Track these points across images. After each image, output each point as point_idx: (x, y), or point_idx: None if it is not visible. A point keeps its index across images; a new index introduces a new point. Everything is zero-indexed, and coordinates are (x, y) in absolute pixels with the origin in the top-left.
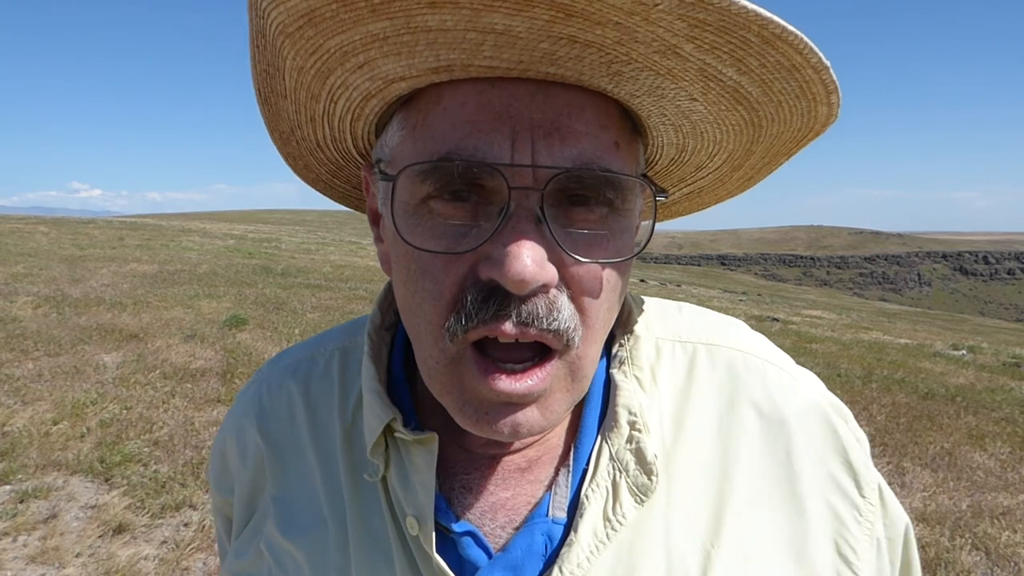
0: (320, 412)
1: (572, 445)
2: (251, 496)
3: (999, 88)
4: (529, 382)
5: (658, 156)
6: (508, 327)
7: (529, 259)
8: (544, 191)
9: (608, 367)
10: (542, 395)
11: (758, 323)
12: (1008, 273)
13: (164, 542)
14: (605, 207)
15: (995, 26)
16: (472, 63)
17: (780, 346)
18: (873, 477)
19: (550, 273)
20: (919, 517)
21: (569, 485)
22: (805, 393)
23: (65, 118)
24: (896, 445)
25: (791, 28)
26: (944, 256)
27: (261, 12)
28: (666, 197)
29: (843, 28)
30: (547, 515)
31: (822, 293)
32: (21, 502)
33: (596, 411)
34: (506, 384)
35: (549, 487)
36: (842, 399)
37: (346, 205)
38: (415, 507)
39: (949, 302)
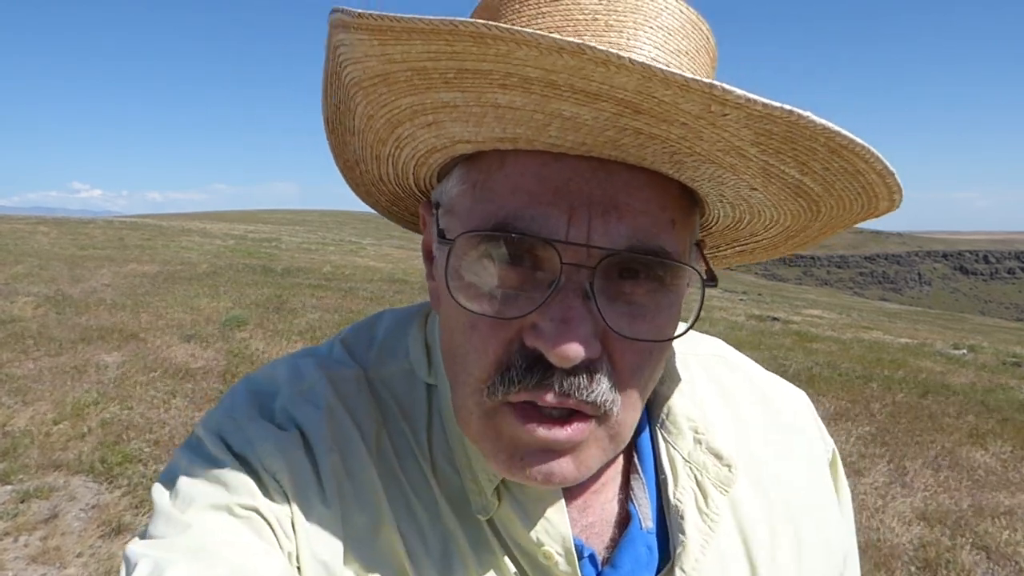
0: (397, 442)
1: (632, 459)
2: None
3: (996, 89)
4: (568, 430)
5: (714, 223)
6: (550, 397)
7: (576, 337)
8: (595, 268)
9: None
10: (578, 447)
11: (759, 322)
12: (1008, 272)
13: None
14: (655, 282)
15: (991, 26)
16: (537, 139)
17: (781, 345)
18: (814, 413)
19: (595, 350)
20: (920, 516)
21: (647, 495)
22: (767, 376)
23: (65, 118)
24: (897, 444)
25: (858, 140)
26: (944, 255)
27: (337, 61)
28: (715, 284)
29: (839, 29)
30: (641, 528)
31: (822, 293)
32: (22, 502)
33: (644, 422)
34: (545, 431)
35: (624, 501)
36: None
37: (406, 227)
38: (548, 536)
39: (949, 301)
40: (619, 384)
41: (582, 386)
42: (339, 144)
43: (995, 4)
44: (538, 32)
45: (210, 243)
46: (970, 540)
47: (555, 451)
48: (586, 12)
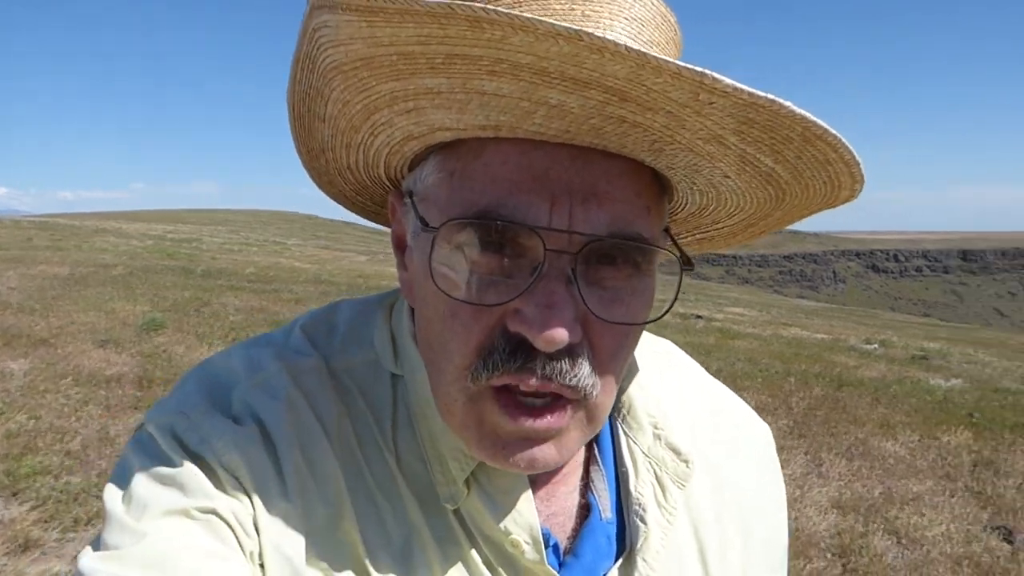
0: (360, 434)
1: (593, 451)
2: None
3: (906, 93)
4: (549, 418)
5: (680, 210)
6: (533, 381)
7: (561, 321)
8: (578, 255)
9: None
10: (560, 432)
11: (683, 320)
12: (916, 270)
13: (76, 558)
14: (631, 267)
15: (907, 24)
16: (520, 127)
17: (704, 343)
18: (745, 406)
19: (577, 334)
20: (835, 504)
21: (607, 487)
22: (711, 379)
23: None
24: (814, 436)
25: (831, 130)
26: (858, 255)
27: (315, 44)
28: (692, 268)
29: (756, 31)
30: (600, 518)
31: (744, 291)
32: None
33: None
34: (528, 421)
35: (584, 492)
36: (763, 393)
37: (368, 219)
38: (517, 526)
39: (862, 298)
40: (598, 368)
41: (564, 370)
42: (304, 132)
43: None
44: (535, 17)
45: (126, 244)
46: (881, 526)
47: (536, 439)
48: (562, 2)
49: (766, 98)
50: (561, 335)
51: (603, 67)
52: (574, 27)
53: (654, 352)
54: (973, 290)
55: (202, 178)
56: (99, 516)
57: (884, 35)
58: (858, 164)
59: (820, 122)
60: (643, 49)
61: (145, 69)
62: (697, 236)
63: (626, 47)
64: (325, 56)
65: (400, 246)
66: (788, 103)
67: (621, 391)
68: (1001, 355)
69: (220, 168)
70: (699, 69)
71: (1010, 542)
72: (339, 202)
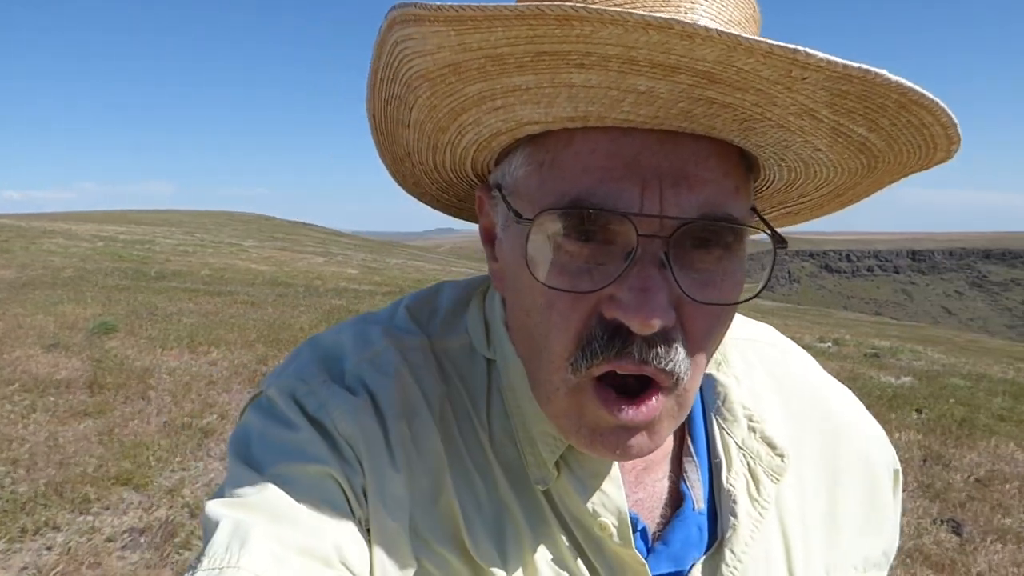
0: (458, 413)
1: (685, 441)
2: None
3: None
4: (644, 409)
5: (765, 187)
6: (629, 364)
7: (656, 305)
8: (670, 238)
9: None
10: (653, 422)
11: None
12: (868, 270)
13: (24, 568)
14: (722, 249)
15: (855, 15)
16: (609, 115)
17: None
18: (877, 425)
19: (670, 317)
20: None
21: (700, 478)
22: (825, 375)
23: None
24: None
25: (928, 94)
26: (811, 255)
27: (397, 55)
28: (785, 246)
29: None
30: (693, 508)
31: None
32: None
33: (698, 407)
34: (626, 412)
35: (676, 481)
36: None
37: (452, 215)
38: (609, 509)
39: (816, 298)
40: (691, 351)
41: (660, 354)
42: (387, 139)
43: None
44: (625, 10)
45: (76, 245)
46: None
47: (632, 429)
48: None
49: (860, 68)
50: (657, 318)
51: (692, 52)
52: (664, 16)
53: (753, 340)
54: (922, 289)
55: (155, 178)
56: (48, 525)
57: (825, 27)
58: (955, 125)
59: (916, 87)
60: (730, 30)
61: (95, 66)
62: (783, 211)
63: (717, 31)
64: (409, 66)
65: (489, 239)
66: (883, 71)
67: (716, 383)
68: (949, 352)
69: (174, 168)
70: (791, 46)
71: (958, 534)
72: (424, 201)
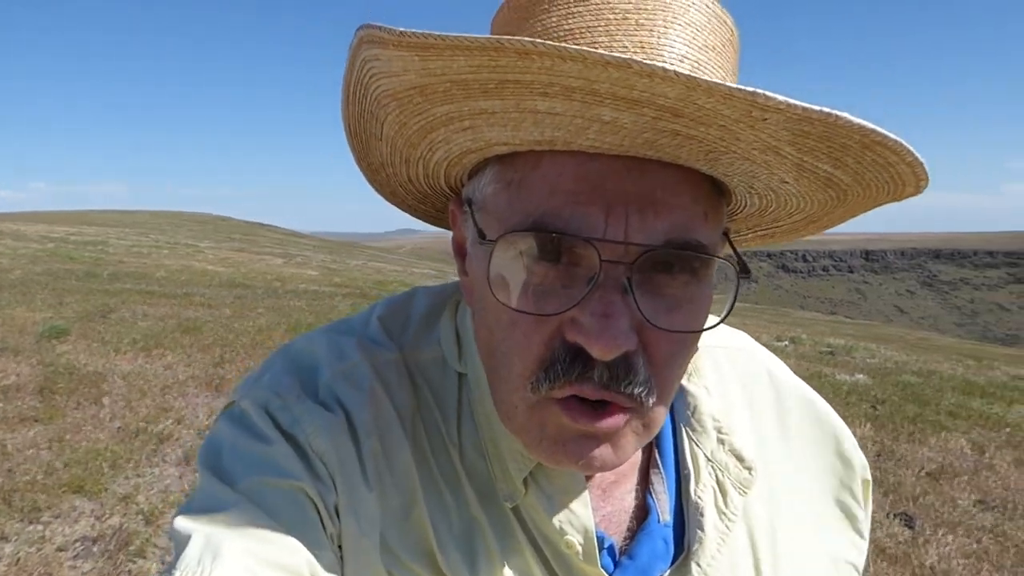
0: (429, 428)
1: (653, 454)
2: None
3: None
4: (608, 420)
5: (739, 211)
6: (592, 389)
7: (616, 330)
8: (633, 264)
9: None
10: (616, 434)
11: None
12: (823, 270)
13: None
14: (688, 275)
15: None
16: (575, 142)
17: None
18: (848, 431)
19: (633, 342)
20: None
21: (666, 490)
22: (796, 382)
23: None
24: None
25: (891, 135)
26: (769, 255)
27: (366, 72)
28: (749, 276)
29: None
30: (659, 521)
31: None
32: None
33: (668, 418)
34: (587, 420)
35: (642, 494)
36: None
37: (433, 225)
38: (572, 527)
39: (773, 297)
40: (654, 375)
41: (620, 378)
42: (363, 149)
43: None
44: (583, 48)
45: (25, 247)
46: None
47: (595, 438)
48: (616, 11)
49: (820, 111)
50: (617, 344)
51: (653, 88)
52: (623, 56)
53: (727, 349)
54: (875, 288)
55: (109, 178)
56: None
57: (775, 31)
58: (921, 164)
59: (878, 129)
60: (700, 56)
61: (47, 64)
62: (759, 233)
63: (675, 72)
64: (377, 85)
65: (460, 252)
66: (844, 114)
67: (687, 394)
68: (901, 350)
69: (128, 168)
70: (750, 89)
71: (911, 527)
72: (404, 210)
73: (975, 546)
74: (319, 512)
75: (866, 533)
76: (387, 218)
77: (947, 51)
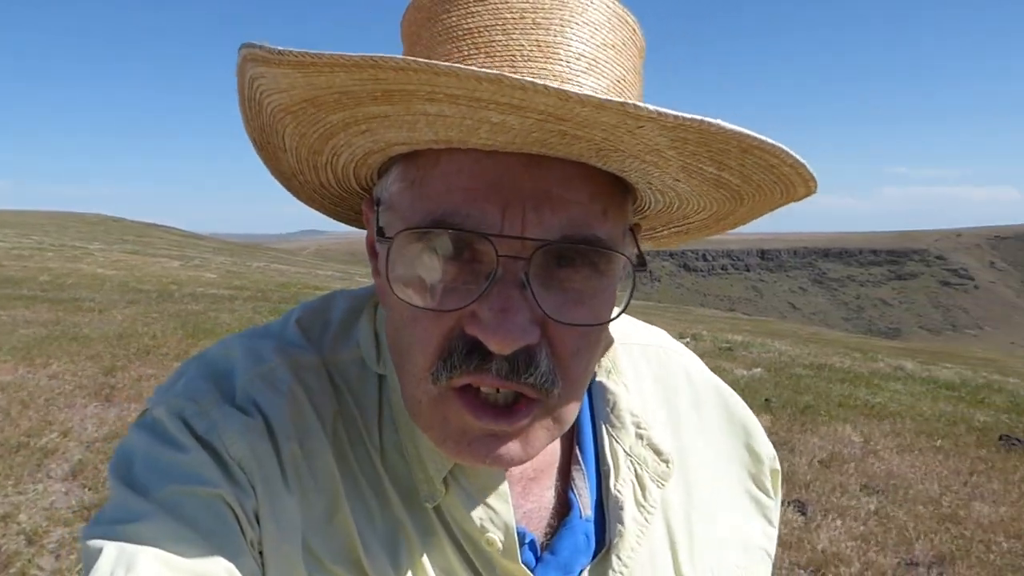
0: (350, 431)
1: (574, 450)
2: (283, 497)
3: (711, 99)
4: (511, 417)
5: (647, 208)
6: (489, 379)
7: (513, 325)
8: (530, 259)
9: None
10: (523, 432)
11: None
12: (722, 269)
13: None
14: (589, 269)
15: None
16: (468, 141)
17: None
18: (758, 424)
19: (531, 336)
20: None
21: (587, 485)
22: (710, 377)
23: None
24: None
25: (767, 140)
26: (671, 255)
27: (256, 89)
28: (644, 270)
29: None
30: (580, 516)
31: None
32: None
33: (587, 415)
34: (491, 420)
35: (563, 490)
36: None
37: (354, 227)
38: (492, 524)
39: (676, 296)
40: (560, 367)
41: (520, 370)
42: (272, 160)
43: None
44: (455, 66)
45: None
46: None
47: (501, 436)
48: (514, 10)
49: (692, 119)
50: (513, 338)
51: (529, 100)
52: (493, 72)
53: (644, 346)
54: (771, 286)
55: None
56: None
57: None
58: (803, 166)
59: (753, 134)
60: (598, 53)
61: None
62: (672, 229)
63: (544, 86)
64: (269, 101)
65: (373, 251)
66: (716, 121)
67: (606, 390)
68: (794, 344)
69: (8, 164)
70: (620, 100)
71: (804, 514)
72: (325, 214)
73: (861, 528)
74: (238, 519)
75: (775, 521)
76: (291, 219)
77: (834, 64)
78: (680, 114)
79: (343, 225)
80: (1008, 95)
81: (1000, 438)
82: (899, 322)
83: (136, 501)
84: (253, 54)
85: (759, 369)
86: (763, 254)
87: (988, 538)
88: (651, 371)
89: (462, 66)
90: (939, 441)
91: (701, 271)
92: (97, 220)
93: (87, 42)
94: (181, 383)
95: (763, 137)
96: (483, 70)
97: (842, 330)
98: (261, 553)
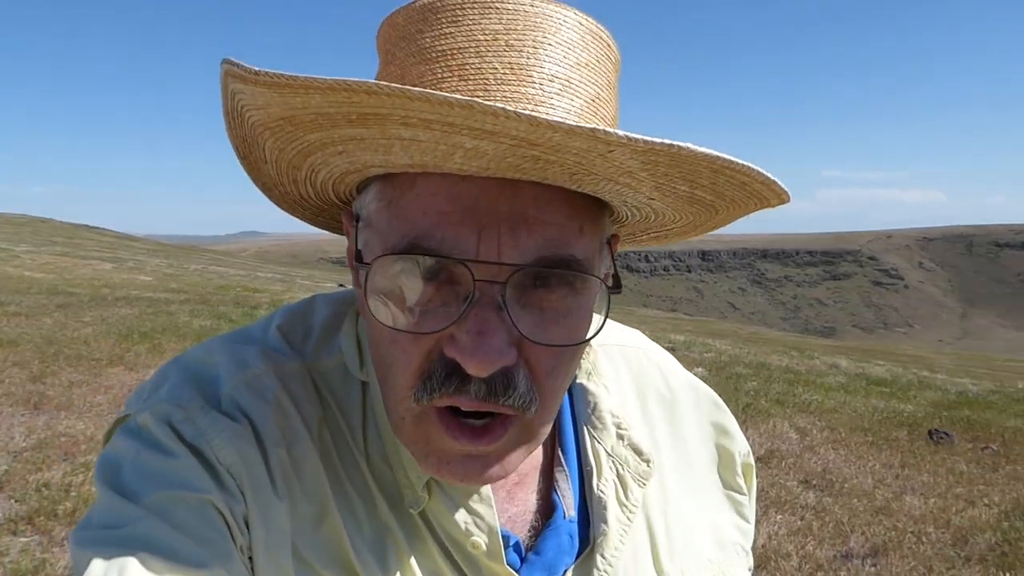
0: (336, 438)
1: (557, 452)
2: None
3: (668, 99)
4: (488, 438)
5: (626, 220)
6: (469, 401)
7: (491, 348)
8: (507, 283)
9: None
10: (499, 451)
11: None
12: (664, 270)
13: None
14: (566, 288)
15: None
16: (443, 166)
17: None
18: (733, 421)
19: (509, 357)
20: None
21: (571, 486)
22: (685, 376)
23: None
24: None
25: (737, 161)
26: (614, 256)
27: (237, 103)
28: (619, 291)
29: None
30: (564, 517)
31: None
32: None
33: (568, 416)
34: (468, 442)
35: (547, 492)
36: None
37: (337, 233)
38: (477, 527)
39: (619, 297)
40: (537, 385)
41: (498, 392)
42: (254, 170)
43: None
44: (427, 91)
45: None
46: None
47: (479, 456)
48: (487, 33)
49: (662, 143)
50: (491, 361)
51: (502, 125)
52: (463, 98)
53: (622, 347)
54: (711, 287)
55: None
56: None
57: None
58: (775, 182)
59: (724, 156)
60: (571, 73)
61: None
62: (651, 234)
63: (516, 113)
64: (249, 115)
65: (354, 264)
66: (687, 145)
67: (587, 392)
68: (735, 344)
69: None
70: (590, 127)
71: None
72: (307, 222)
73: (799, 523)
74: (228, 524)
75: (750, 516)
76: (230, 220)
77: (771, 67)
78: (650, 139)
79: (284, 227)
80: (937, 101)
81: (929, 432)
82: (834, 321)
83: (125, 507)
84: (231, 71)
85: (701, 369)
86: (704, 255)
87: (919, 529)
88: (629, 372)
89: (434, 91)
90: (872, 436)
91: (643, 272)
92: (24, 221)
93: (6, 39)
94: (165, 389)
95: (732, 159)
96: (455, 96)
97: (780, 329)
98: (251, 559)
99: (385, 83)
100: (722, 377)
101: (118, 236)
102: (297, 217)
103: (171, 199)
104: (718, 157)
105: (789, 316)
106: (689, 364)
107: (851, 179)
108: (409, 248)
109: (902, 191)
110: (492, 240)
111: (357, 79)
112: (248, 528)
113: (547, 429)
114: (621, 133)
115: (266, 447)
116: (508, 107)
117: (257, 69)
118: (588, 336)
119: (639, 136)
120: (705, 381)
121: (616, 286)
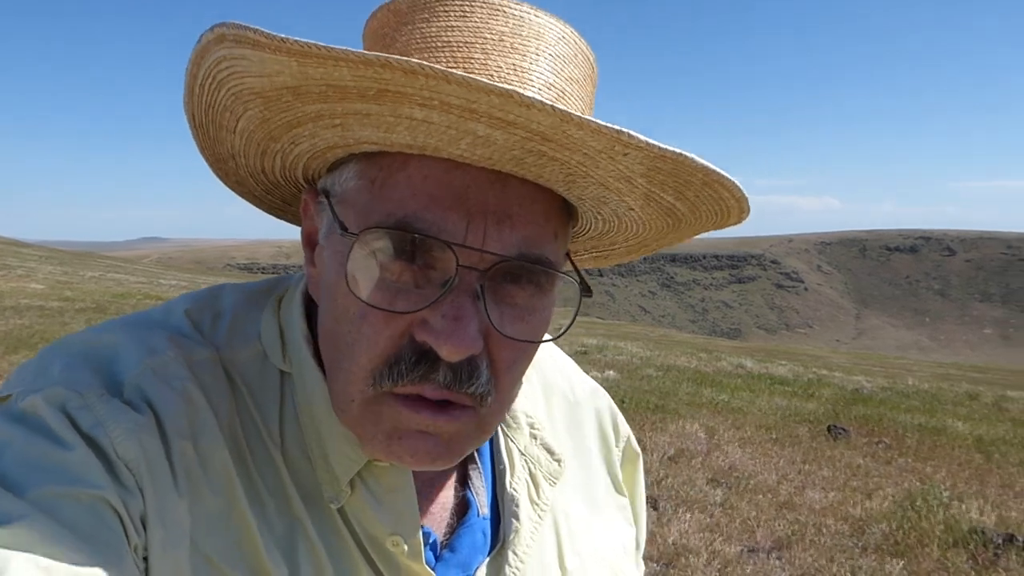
0: (248, 429)
1: (472, 451)
2: (173, 504)
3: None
4: (446, 416)
5: (583, 233)
6: (434, 389)
7: (466, 334)
8: (487, 272)
9: None
10: (452, 435)
11: None
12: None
13: None
14: (534, 287)
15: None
16: (445, 150)
17: None
18: (626, 430)
19: (478, 346)
20: None
21: (484, 485)
22: (590, 383)
23: None
24: None
25: (728, 176)
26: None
27: (227, 69)
28: (591, 295)
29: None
30: (478, 515)
31: None
32: None
33: None
34: (429, 415)
35: (462, 489)
36: None
37: (274, 215)
38: (399, 525)
39: None
40: (496, 378)
41: (463, 379)
42: (208, 140)
43: None
44: (470, 76)
45: None
46: None
47: (432, 434)
48: (494, 32)
49: (673, 151)
50: (465, 346)
51: (529, 116)
52: (507, 87)
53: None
54: (623, 290)
55: None
56: None
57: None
58: (746, 199)
59: (719, 170)
60: (565, 86)
61: None
62: (593, 255)
63: (552, 107)
64: (240, 82)
65: (310, 243)
66: (693, 155)
67: None
68: (645, 347)
69: None
70: (616, 128)
71: (656, 509)
72: (246, 199)
73: (708, 520)
74: (123, 523)
75: (634, 517)
76: (129, 225)
77: (679, 74)
78: (665, 146)
79: (188, 232)
80: (832, 112)
81: (828, 428)
82: (739, 323)
83: (8, 500)
84: (240, 35)
85: (612, 372)
86: None
87: (820, 522)
88: (538, 375)
89: (475, 77)
90: (776, 434)
91: None
92: None
93: None
94: (57, 371)
95: (726, 174)
96: (496, 84)
97: (689, 331)
98: (146, 559)
99: (425, 63)
100: (634, 380)
101: (7, 242)
102: (239, 192)
103: (65, 202)
104: (715, 171)
105: (697, 318)
106: (601, 367)
107: (753, 185)
108: (397, 226)
109: (800, 197)
110: (479, 230)
111: (394, 56)
112: (145, 527)
113: (495, 426)
114: (642, 138)
115: (170, 440)
116: (539, 97)
117: (283, 37)
118: (549, 338)
119: (655, 142)
120: (617, 384)
121: (587, 290)
